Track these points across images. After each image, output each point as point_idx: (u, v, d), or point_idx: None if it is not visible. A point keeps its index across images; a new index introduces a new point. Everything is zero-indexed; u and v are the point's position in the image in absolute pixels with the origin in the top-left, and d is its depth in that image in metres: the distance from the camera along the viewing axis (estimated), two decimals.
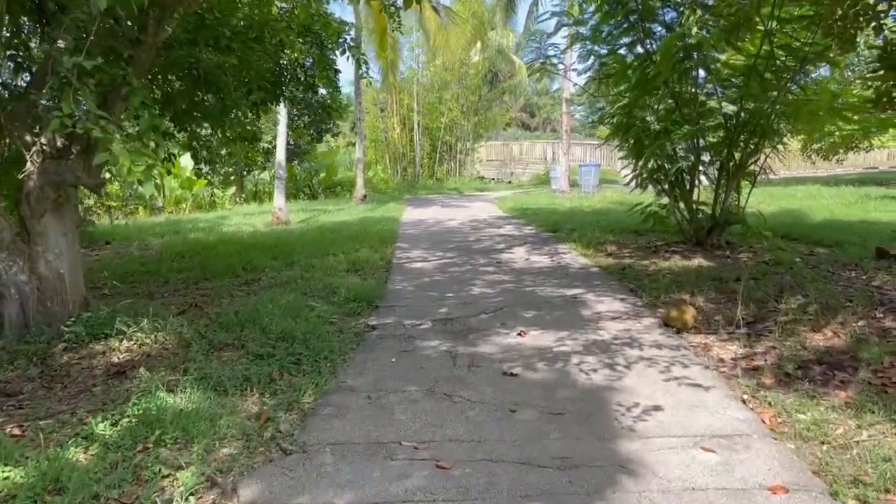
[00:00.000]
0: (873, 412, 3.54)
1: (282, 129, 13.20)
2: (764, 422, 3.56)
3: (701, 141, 9.27)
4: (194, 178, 19.06)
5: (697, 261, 8.22)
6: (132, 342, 5.10)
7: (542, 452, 3.25)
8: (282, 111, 13.22)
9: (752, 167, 9.28)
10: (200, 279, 8.00)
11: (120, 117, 5.12)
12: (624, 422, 3.59)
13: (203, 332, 5.29)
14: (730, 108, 9.24)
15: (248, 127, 8.55)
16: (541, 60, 10.97)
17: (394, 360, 4.77)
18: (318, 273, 8.03)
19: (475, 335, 5.31)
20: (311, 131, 19.34)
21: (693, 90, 9.29)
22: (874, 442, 3.26)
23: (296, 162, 20.85)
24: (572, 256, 9.08)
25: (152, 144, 4.83)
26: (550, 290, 6.92)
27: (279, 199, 13.60)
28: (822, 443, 3.30)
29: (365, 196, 18.66)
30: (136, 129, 4.74)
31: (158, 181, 16.31)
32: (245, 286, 7.53)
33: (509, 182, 29.84)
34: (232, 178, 20.70)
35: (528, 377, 4.33)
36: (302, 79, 8.62)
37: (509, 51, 28.71)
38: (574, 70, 14.48)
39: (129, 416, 3.71)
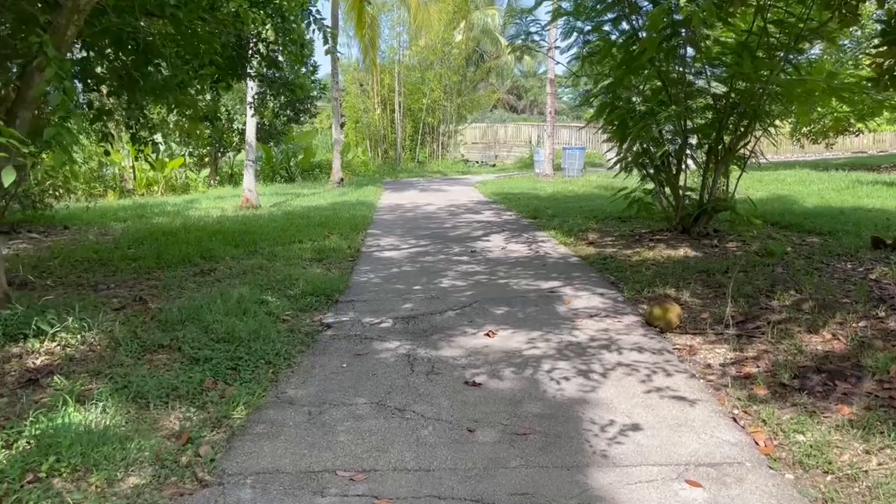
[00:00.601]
0: (882, 433, 3.09)
1: (250, 109, 12.53)
2: (758, 444, 3.09)
3: (688, 123, 8.79)
4: (165, 159, 18.40)
5: (683, 250, 7.76)
6: (55, 343, 4.56)
7: (499, 487, 2.76)
8: (252, 88, 12.56)
9: (741, 151, 8.81)
10: (154, 268, 7.45)
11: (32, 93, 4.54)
12: (597, 445, 3.11)
13: (137, 332, 4.76)
14: (719, 89, 8.78)
15: (202, 105, 7.94)
16: (521, 37, 10.39)
17: (345, 365, 4.26)
18: (280, 263, 7.52)
19: (439, 335, 4.81)
20: (287, 111, 18.65)
21: (681, 69, 8.80)
22: (886, 471, 2.81)
23: (271, 143, 20.16)
24: (552, 245, 8.59)
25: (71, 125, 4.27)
26: (526, 282, 6.43)
27: (249, 181, 12.98)
28: (826, 472, 2.85)
29: (342, 179, 18.04)
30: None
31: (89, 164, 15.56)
32: (200, 276, 7.00)
33: (493, 165, 29.30)
34: (206, 159, 20.00)
35: (492, 387, 3.85)
36: (264, 53, 8.03)
37: (495, 30, 28.00)
38: (557, 48, 13.92)
39: (26, 437, 3.19)
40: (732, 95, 8.44)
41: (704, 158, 8.92)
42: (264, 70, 8.60)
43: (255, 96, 9.47)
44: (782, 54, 8.03)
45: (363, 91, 26.49)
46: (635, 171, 9.44)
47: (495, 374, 4.04)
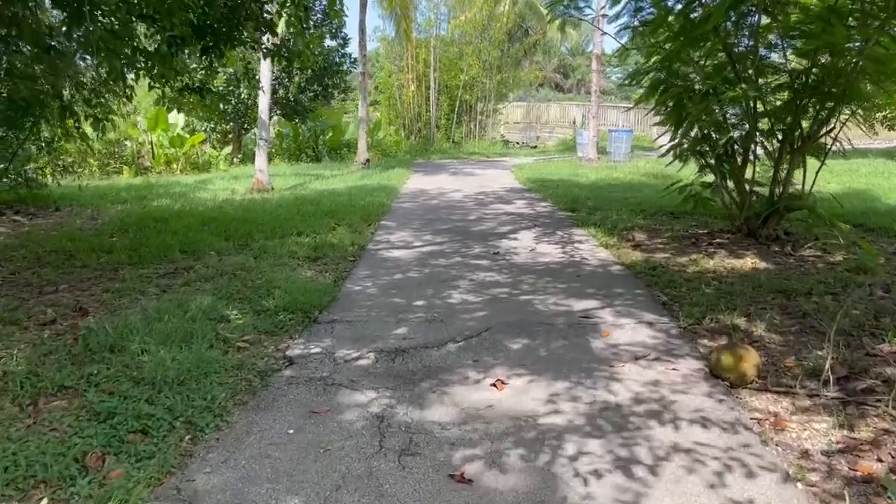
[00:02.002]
0: None
1: (264, 81, 11.44)
2: None
3: (759, 105, 7.35)
4: (185, 135, 17.52)
5: (751, 260, 6.40)
6: None
7: None
8: (264, 64, 11.45)
9: (822, 138, 7.34)
10: (125, 264, 6.44)
11: None
12: None
13: (38, 367, 3.67)
14: (798, 64, 7.33)
15: (178, 74, 6.81)
16: (564, 2, 8.99)
17: (292, 431, 3.10)
18: (268, 262, 6.43)
19: (430, 383, 3.61)
20: (315, 87, 17.53)
21: (751, 42, 7.38)
22: None
23: (296, 120, 19.08)
24: (590, 247, 7.29)
25: None
26: (554, 301, 5.17)
27: (260, 162, 11.88)
28: None
29: (368, 160, 16.86)
30: None
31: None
32: (169, 278, 5.95)
33: (534, 147, 27.79)
34: (230, 136, 19.05)
35: (487, 485, 2.64)
36: (257, 15, 6.86)
37: (539, 3, 26.32)
38: (604, 16, 12.41)
39: None
40: (814, 72, 6.99)
41: (777, 147, 7.48)
42: (261, 36, 7.43)
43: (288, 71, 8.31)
44: (878, 24, 6.54)
45: (398, 67, 25.18)
46: (692, 161, 8.06)
47: (495, 460, 2.83)
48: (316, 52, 11.13)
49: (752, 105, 7.24)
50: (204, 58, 7.27)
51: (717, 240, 7.30)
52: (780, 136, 7.32)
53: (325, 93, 18.71)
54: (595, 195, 11.03)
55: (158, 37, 6.86)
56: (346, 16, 18.51)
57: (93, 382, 3.47)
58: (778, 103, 7.47)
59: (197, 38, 6.99)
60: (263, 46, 6.88)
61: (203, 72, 7.33)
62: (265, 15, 6.79)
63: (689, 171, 8.13)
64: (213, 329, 4.35)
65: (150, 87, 7.16)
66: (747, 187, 7.48)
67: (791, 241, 7.32)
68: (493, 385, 3.57)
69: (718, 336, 4.37)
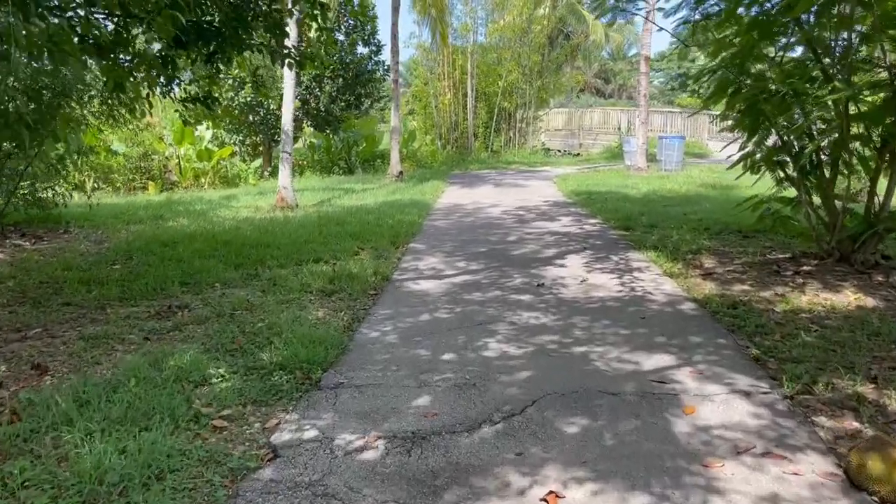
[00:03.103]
0: None
1: (287, 90, 10.65)
2: None
3: (851, 107, 6.22)
4: (214, 148, 16.92)
5: (852, 295, 5.27)
6: None
7: None
8: (287, 71, 10.67)
9: None
10: (115, 300, 5.66)
11: None
12: None
13: None
14: None
15: (172, 81, 6.01)
16: None
17: None
18: (276, 297, 5.58)
19: (457, 494, 2.64)
20: (346, 96, 16.76)
21: (843, 34, 6.29)
22: None
23: (328, 131, 18.32)
24: (652, 276, 6.22)
25: None
26: (617, 355, 4.14)
27: (284, 178, 11.07)
28: None
29: (401, 173, 15.96)
30: None
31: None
32: (160, 318, 5.14)
33: (577, 155, 26.61)
34: (260, 148, 18.41)
35: None
36: (265, 16, 6.02)
37: (580, 5, 25.21)
38: (660, 10, 11.29)
39: None
40: None
41: (872, 155, 6.33)
42: (275, 39, 6.58)
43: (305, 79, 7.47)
44: None
45: (433, 74, 24.30)
46: (765, 172, 6.94)
47: None
48: (333, 57, 10.37)
49: (844, 108, 6.10)
50: (210, 64, 6.48)
51: (804, 267, 6.16)
52: (880, 144, 6.16)
53: (358, 102, 17.92)
54: (649, 210, 9.93)
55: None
56: (372, 16, 17.61)
57: (3, 492, 2.60)
58: (875, 104, 6.34)
59: (203, 42, 6.20)
60: (271, 49, 6.01)
61: (208, 79, 6.43)
62: (274, 14, 5.93)
63: (763, 185, 7.01)
64: (188, 399, 3.46)
65: (144, 97, 6.39)
66: (838, 204, 6.34)
67: (891, 266, 6.16)
68: (544, 501, 2.57)
69: (839, 410, 3.31)
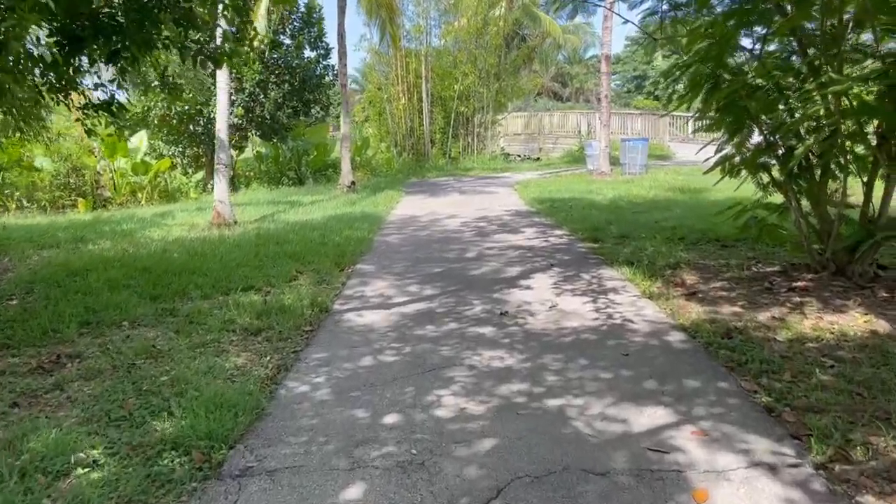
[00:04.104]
0: None
1: (221, 94, 9.70)
2: None
3: (843, 101, 5.57)
4: (151, 161, 15.78)
5: (860, 316, 4.58)
6: None
7: None
8: (221, 74, 9.72)
9: None
10: None
11: None
12: None
13: None
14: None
15: (70, 85, 5.06)
16: None
17: None
18: (190, 340, 4.68)
19: None
20: (294, 102, 15.79)
21: (830, 21, 5.66)
22: None
23: (275, 140, 17.29)
24: (629, 298, 5.46)
25: None
26: (600, 411, 3.34)
27: (220, 192, 10.08)
28: None
29: (353, 183, 15.02)
30: None
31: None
32: (40, 374, 4.20)
33: (537, 160, 25.98)
34: (202, 159, 17.29)
35: None
36: (172, 7, 5.10)
37: (534, 6, 24.63)
38: (623, 0, 10.58)
39: None
40: None
41: (866, 155, 5.70)
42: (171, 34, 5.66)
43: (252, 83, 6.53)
44: None
45: (387, 78, 23.41)
46: (743, 174, 6.27)
47: None
48: (279, 61, 9.45)
49: (836, 102, 5.44)
50: (112, 65, 5.55)
51: (798, 282, 5.48)
52: (876, 143, 5.52)
53: (307, 109, 16.94)
54: (618, 218, 9.22)
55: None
56: (319, 18, 16.64)
57: None
58: (868, 100, 5.70)
59: (102, 39, 5.28)
60: (179, 45, 5.10)
61: (111, 82, 5.50)
62: (182, 4, 5.03)
63: (728, 187, 6.34)
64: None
65: (38, 102, 5.43)
66: (831, 210, 5.68)
67: (890, 276, 5.52)
68: None
69: (888, 486, 2.56)
